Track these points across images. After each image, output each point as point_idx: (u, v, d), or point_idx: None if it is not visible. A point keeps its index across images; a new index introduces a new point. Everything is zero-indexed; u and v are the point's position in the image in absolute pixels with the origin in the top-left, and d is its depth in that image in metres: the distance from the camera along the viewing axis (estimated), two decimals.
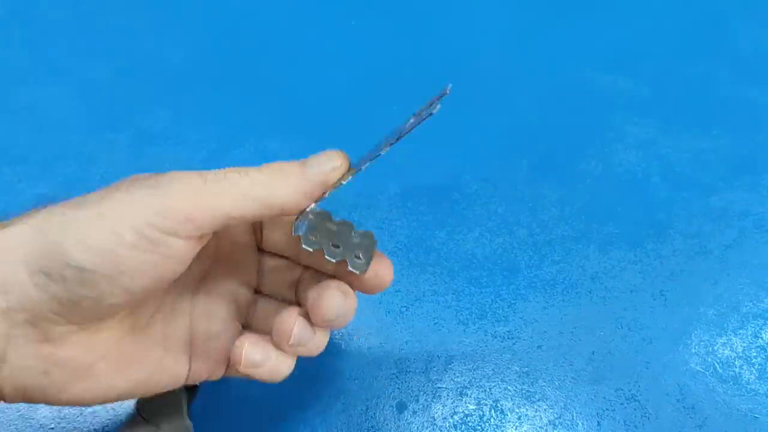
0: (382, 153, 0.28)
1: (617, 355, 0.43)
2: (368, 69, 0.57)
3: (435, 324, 0.44)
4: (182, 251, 0.27)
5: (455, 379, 0.42)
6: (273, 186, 0.28)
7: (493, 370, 0.42)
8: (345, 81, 0.56)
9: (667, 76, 0.57)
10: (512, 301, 0.45)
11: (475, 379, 0.42)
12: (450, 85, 0.29)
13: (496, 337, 0.44)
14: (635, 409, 0.41)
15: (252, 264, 0.35)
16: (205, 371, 0.33)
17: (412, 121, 0.29)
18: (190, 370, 0.33)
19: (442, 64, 0.57)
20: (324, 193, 0.29)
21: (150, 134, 0.52)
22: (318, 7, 0.61)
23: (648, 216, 0.49)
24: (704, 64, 0.58)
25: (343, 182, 0.29)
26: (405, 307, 0.45)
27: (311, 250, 0.31)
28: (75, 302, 0.26)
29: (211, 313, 0.33)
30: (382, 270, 0.32)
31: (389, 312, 0.44)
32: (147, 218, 0.26)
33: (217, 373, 0.34)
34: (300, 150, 0.52)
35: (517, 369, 0.42)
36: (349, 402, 0.40)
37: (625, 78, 0.57)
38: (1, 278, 0.25)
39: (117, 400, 0.30)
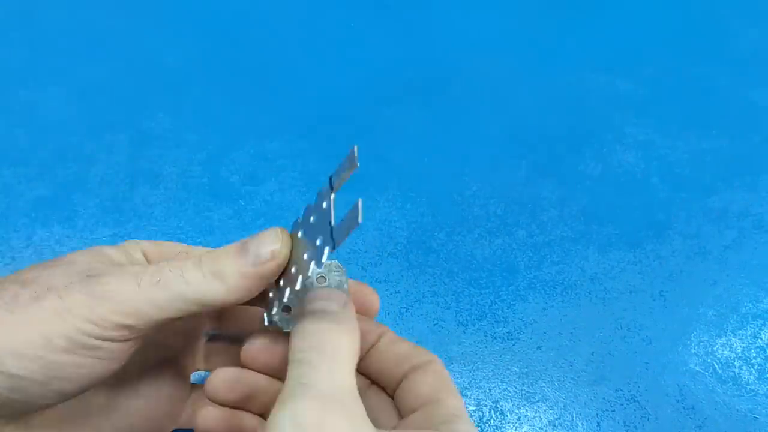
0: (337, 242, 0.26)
1: (617, 356, 0.43)
2: (367, 70, 0.57)
3: (434, 325, 0.44)
4: (117, 352, 0.27)
5: (455, 380, 0.42)
6: (209, 288, 0.27)
7: (492, 371, 0.42)
8: (344, 82, 0.56)
9: (666, 76, 0.57)
10: (512, 302, 0.45)
11: (475, 380, 0.42)
12: (356, 146, 0.26)
13: (495, 338, 0.44)
14: (635, 410, 0.41)
15: (195, 340, 0.34)
16: None
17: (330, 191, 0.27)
18: None
19: (440, 66, 0.57)
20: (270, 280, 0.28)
21: (149, 136, 0.52)
22: (317, 9, 0.61)
23: (647, 217, 0.49)
24: (703, 65, 0.58)
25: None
26: (405, 308, 0.45)
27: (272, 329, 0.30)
28: (4, 403, 0.26)
29: (154, 393, 0.32)
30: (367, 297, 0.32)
31: (389, 313, 0.44)
32: (79, 326, 0.25)
33: None
34: (299, 152, 0.52)
35: (517, 370, 0.42)
36: None
37: (624, 79, 0.57)
38: None
39: None
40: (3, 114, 0.53)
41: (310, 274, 0.26)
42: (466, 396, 0.41)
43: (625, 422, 0.41)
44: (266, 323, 0.29)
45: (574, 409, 0.41)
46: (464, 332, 0.44)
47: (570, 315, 0.45)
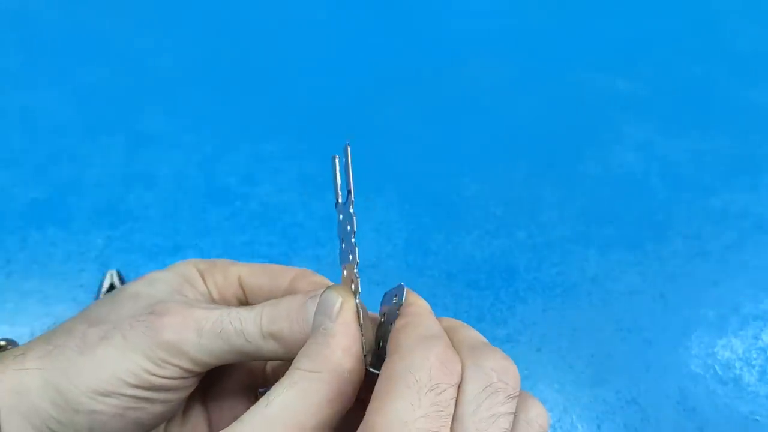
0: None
1: (617, 358, 0.43)
2: (364, 71, 0.57)
3: None
4: (181, 388, 0.28)
5: None
6: (268, 347, 0.27)
7: None
8: (341, 83, 0.56)
9: (665, 77, 0.57)
10: (511, 304, 0.45)
11: None
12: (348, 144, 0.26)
13: (495, 340, 0.43)
14: (635, 412, 0.41)
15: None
16: None
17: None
18: None
19: (439, 66, 0.57)
20: None
21: (145, 137, 0.52)
22: (314, 9, 0.61)
23: (648, 217, 0.49)
24: (703, 65, 0.58)
25: None
26: None
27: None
28: None
29: (226, 408, 0.33)
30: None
31: None
32: (141, 364, 0.26)
33: None
34: (295, 153, 0.51)
35: None
36: None
37: (624, 79, 0.56)
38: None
39: None
40: None
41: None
42: None
43: (625, 424, 0.40)
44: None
45: (575, 411, 0.41)
46: None
47: (570, 317, 0.44)
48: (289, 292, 0.30)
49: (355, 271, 0.26)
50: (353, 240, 0.26)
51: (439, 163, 0.51)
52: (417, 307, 0.26)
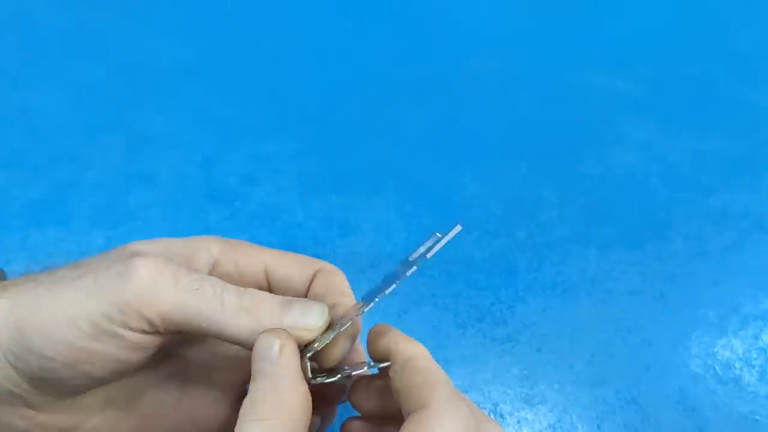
0: (377, 299, 0.26)
1: (617, 358, 0.43)
2: (364, 70, 0.57)
3: (433, 328, 0.44)
4: (140, 344, 0.26)
5: (454, 383, 0.41)
6: (238, 322, 0.26)
7: (492, 373, 0.42)
8: (341, 82, 0.56)
9: (665, 76, 0.57)
10: (511, 304, 0.45)
11: (474, 382, 0.42)
12: (459, 226, 0.27)
13: (495, 340, 0.43)
14: (635, 412, 0.41)
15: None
16: None
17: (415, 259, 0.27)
18: None
19: (439, 66, 0.57)
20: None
21: (144, 137, 0.52)
22: (313, 7, 0.61)
23: (648, 217, 0.49)
24: (703, 65, 0.58)
25: (322, 342, 0.27)
26: (403, 310, 0.44)
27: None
28: (42, 381, 0.26)
29: (203, 398, 0.32)
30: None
31: (387, 315, 0.44)
32: (104, 309, 0.25)
33: None
34: (295, 153, 0.52)
35: (517, 372, 0.42)
36: (347, 406, 0.40)
37: (624, 79, 0.56)
38: None
39: None
40: None
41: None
42: None
43: (625, 425, 0.40)
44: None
45: (574, 411, 0.41)
46: (463, 334, 0.43)
47: (570, 317, 0.44)
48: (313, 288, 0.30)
49: (365, 311, 0.26)
50: (387, 291, 0.26)
51: (439, 162, 0.51)
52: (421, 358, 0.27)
